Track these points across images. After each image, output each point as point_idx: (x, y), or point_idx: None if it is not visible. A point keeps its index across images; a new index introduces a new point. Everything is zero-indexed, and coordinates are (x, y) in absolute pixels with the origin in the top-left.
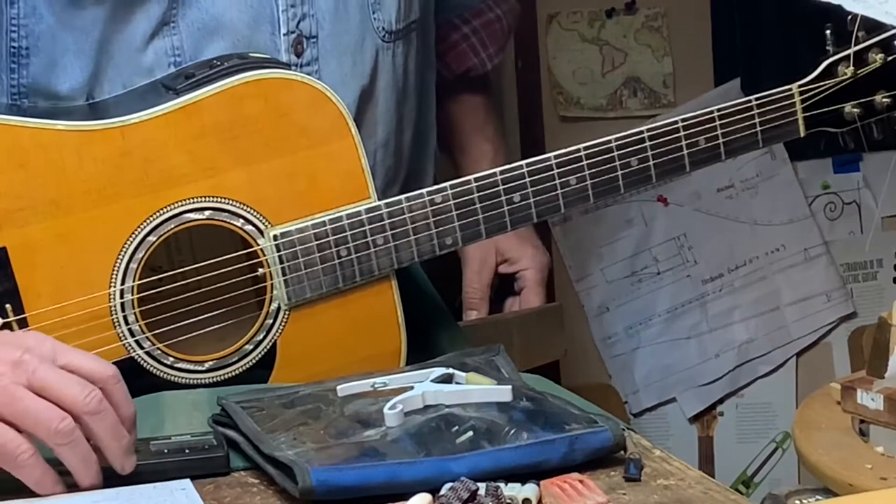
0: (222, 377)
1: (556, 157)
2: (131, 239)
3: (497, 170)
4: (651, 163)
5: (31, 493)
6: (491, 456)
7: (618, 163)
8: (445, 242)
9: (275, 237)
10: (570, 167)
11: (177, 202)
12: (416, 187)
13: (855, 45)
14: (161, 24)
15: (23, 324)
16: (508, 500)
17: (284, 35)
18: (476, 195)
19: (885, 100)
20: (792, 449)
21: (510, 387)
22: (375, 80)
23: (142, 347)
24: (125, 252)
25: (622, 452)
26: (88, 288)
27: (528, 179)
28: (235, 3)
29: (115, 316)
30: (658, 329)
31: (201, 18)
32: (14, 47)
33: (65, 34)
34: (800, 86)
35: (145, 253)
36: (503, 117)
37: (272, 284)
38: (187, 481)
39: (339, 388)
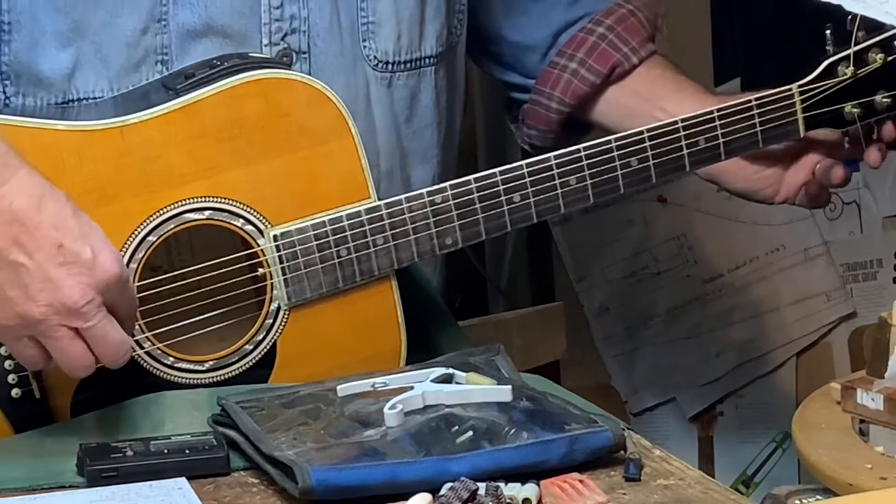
0: (222, 377)
1: (556, 157)
2: (131, 239)
3: (497, 170)
4: (651, 163)
5: (29, 492)
6: (491, 456)
7: (618, 163)
8: (445, 242)
9: (275, 237)
10: (569, 167)
11: (177, 202)
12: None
13: (855, 45)
14: (151, 20)
15: None
16: (508, 500)
17: (266, 46)
18: (476, 195)
19: (885, 100)
20: (792, 449)
21: (510, 387)
22: (371, 108)
23: (142, 347)
24: (125, 252)
25: (622, 452)
26: None
27: (528, 179)
28: (228, 11)
29: None
30: (658, 329)
31: (192, 21)
32: None
33: (42, 13)
34: (800, 86)
35: (145, 253)
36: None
37: (272, 284)
38: (183, 480)
39: (339, 388)
